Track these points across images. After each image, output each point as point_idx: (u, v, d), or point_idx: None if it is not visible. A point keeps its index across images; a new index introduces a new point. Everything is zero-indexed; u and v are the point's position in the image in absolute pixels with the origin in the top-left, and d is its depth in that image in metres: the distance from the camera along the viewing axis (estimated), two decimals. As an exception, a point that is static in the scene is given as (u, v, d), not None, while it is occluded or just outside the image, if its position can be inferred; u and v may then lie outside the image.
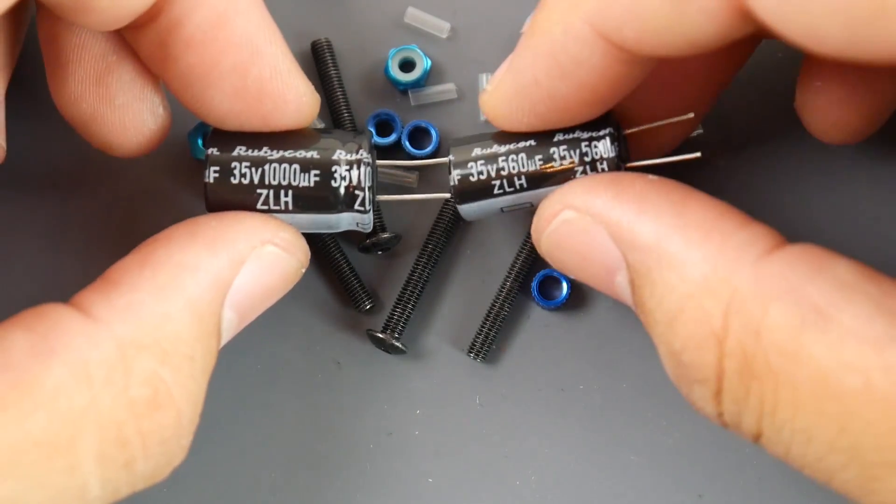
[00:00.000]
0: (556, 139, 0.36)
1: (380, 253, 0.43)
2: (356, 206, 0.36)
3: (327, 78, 0.43)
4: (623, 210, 0.33)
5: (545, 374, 0.42)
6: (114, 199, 0.43)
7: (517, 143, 0.36)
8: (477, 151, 0.37)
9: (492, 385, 0.42)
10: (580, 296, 0.42)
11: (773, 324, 0.29)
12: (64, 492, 0.30)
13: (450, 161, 0.37)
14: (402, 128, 0.43)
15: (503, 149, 0.36)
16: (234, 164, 0.36)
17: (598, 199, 0.33)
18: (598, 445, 0.41)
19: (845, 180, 0.42)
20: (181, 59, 0.35)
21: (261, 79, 0.35)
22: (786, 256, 0.30)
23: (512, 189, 0.36)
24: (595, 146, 0.36)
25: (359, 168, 0.36)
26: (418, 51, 0.43)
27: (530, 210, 0.37)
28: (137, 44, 0.36)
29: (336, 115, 0.43)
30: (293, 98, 0.36)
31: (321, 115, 0.42)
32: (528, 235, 0.42)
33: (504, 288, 0.42)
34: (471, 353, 0.42)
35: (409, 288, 0.42)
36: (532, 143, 0.36)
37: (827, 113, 0.38)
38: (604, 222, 0.33)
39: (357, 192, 0.36)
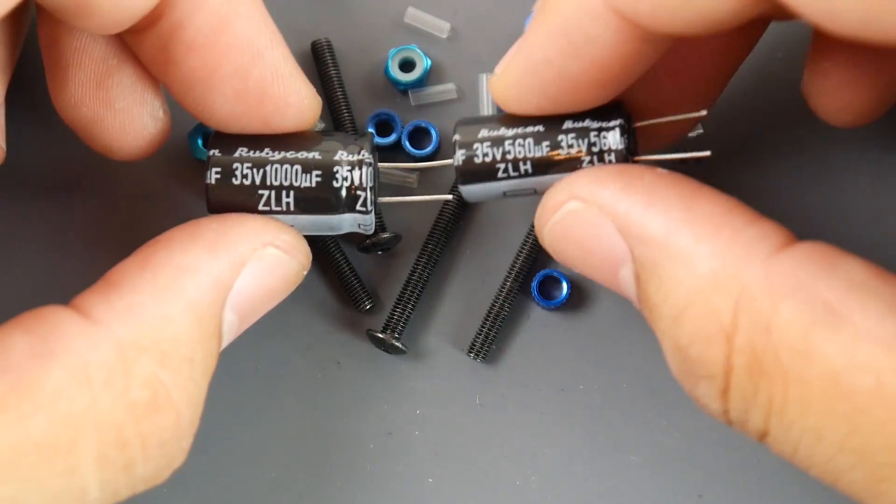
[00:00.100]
0: (564, 126, 0.35)
1: (380, 253, 0.43)
2: (357, 207, 0.36)
3: (327, 78, 0.43)
4: (631, 202, 0.32)
5: (545, 374, 0.42)
6: (114, 200, 0.43)
7: (525, 127, 0.36)
8: (483, 133, 0.36)
9: (492, 385, 0.42)
10: (580, 296, 0.42)
11: (783, 321, 0.29)
12: (63, 494, 0.30)
13: (455, 141, 0.37)
14: (402, 128, 0.43)
15: (510, 132, 0.36)
16: (235, 166, 0.36)
17: (606, 191, 0.33)
18: (598, 445, 0.41)
19: (846, 178, 0.42)
20: (182, 62, 0.35)
21: (262, 82, 0.35)
22: (796, 254, 0.30)
23: (517, 174, 0.36)
24: (604, 137, 0.35)
25: (360, 169, 0.36)
26: (418, 51, 0.43)
27: (533, 201, 0.36)
28: (138, 47, 0.36)
29: (336, 115, 0.43)
30: (295, 101, 0.36)
31: (321, 115, 0.42)
32: (528, 235, 0.42)
33: (504, 288, 0.42)
34: (471, 353, 0.42)
35: (409, 288, 0.42)
36: (540, 128, 0.36)
37: (836, 95, 0.37)
38: (611, 214, 0.33)
39: (359, 192, 0.36)
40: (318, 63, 0.43)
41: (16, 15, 0.38)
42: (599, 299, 0.42)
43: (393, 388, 0.42)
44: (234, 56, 0.35)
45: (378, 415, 0.42)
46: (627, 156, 0.35)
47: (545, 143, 0.36)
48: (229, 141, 0.36)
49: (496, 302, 0.42)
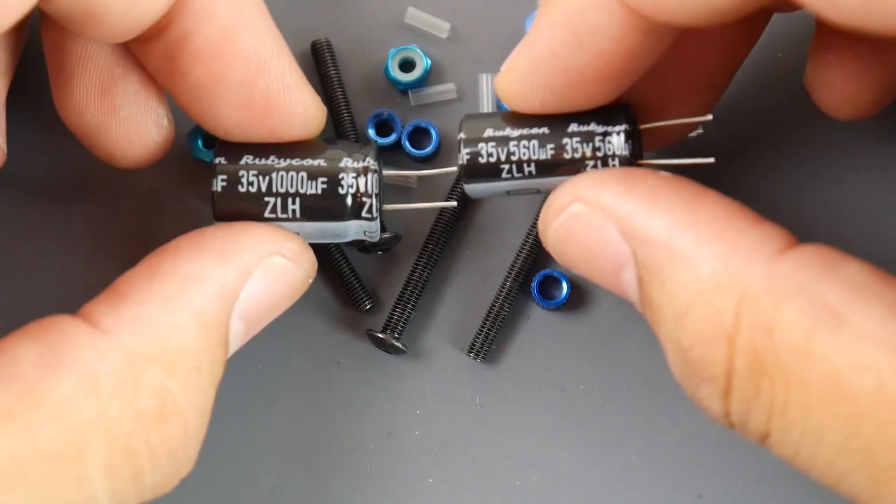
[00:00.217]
0: (570, 130, 0.35)
1: (379, 253, 0.43)
2: (363, 214, 0.36)
3: (327, 78, 0.43)
4: (634, 205, 0.32)
5: (545, 374, 0.42)
6: (118, 204, 0.42)
7: (530, 128, 0.36)
8: (489, 132, 0.36)
9: (492, 385, 0.42)
10: (580, 296, 0.42)
11: (785, 322, 0.29)
12: (72, 503, 0.30)
13: (460, 139, 0.37)
14: (402, 128, 0.43)
15: (515, 133, 0.36)
16: (241, 173, 0.36)
17: (609, 193, 0.33)
18: (598, 445, 0.41)
19: (847, 177, 0.42)
20: (189, 72, 0.35)
21: (268, 92, 0.35)
22: (798, 256, 0.30)
23: (521, 175, 0.36)
24: (609, 141, 0.35)
25: (366, 176, 0.36)
26: (418, 51, 0.43)
27: (535, 201, 0.36)
28: (145, 56, 0.36)
29: (336, 116, 0.43)
30: (300, 111, 0.36)
31: (321, 116, 0.42)
32: (528, 235, 0.42)
33: (504, 288, 0.42)
34: (471, 353, 0.42)
35: (409, 288, 0.42)
36: (545, 130, 0.36)
37: (838, 88, 0.37)
38: (614, 216, 0.33)
39: (364, 199, 0.36)
40: (318, 63, 0.43)
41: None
42: (599, 299, 0.42)
43: (393, 388, 0.42)
44: (240, 66, 0.35)
45: (378, 415, 0.42)
46: (632, 160, 0.35)
47: (550, 146, 0.36)
48: (235, 149, 0.36)
49: (496, 302, 0.42)
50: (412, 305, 0.42)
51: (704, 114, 0.39)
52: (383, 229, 0.42)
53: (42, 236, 0.42)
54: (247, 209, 0.36)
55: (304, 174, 0.36)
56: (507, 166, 0.36)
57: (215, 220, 0.36)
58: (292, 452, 0.41)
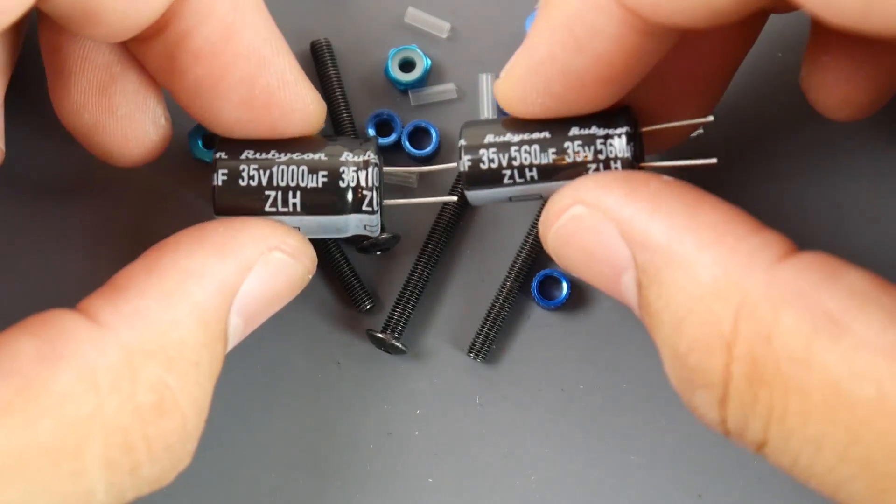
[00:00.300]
0: (571, 133, 0.35)
1: (378, 253, 0.43)
2: (363, 208, 0.36)
3: (327, 78, 0.43)
4: (636, 208, 0.32)
5: (545, 374, 0.42)
6: (117, 201, 0.42)
7: (531, 133, 0.36)
8: (489, 138, 0.36)
9: (492, 385, 0.42)
10: (580, 296, 0.42)
11: (784, 330, 0.29)
12: (70, 497, 0.30)
13: (461, 146, 0.36)
14: (402, 128, 0.43)
15: (516, 138, 0.36)
16: (242, 167, 0.36)
17: (611, 196, 0.33)
18: (597, 445, 0.41)
19: (846, 179, 0.42)
20: (189, 70, 0.35)
21: (268, 89, 0.35)
22: (798, 263, 0.30)
23: (522, 180, 0.36)
24: (610, 144, 0.35)
25: (366, 169, 0.36)
26: (418, 51, 0.43)
27: (535, 203, 0.36)
28: (144, 55, 0.36)
29: (336, 116, 0.43)
30: (300, 107, 0.36)
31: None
32: (528, 235, 0.42)
33: (504, 288, 0.42)
34: (471, 353, 0.42)
35: (409, 288, 0.42)
36: (546, 134, 0.36)
37: (835, 89, 0.37)
38: (615, 219, 0.33)
39: (365, 193, 0.36)
40: (318, 63, 0.43)
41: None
42: (599, 299, 0.42)
43: (393, 388, 0.42)
44: (240, 64, 0.35)
45: (378, 415, 0.42)
46: (633, 163, 0.35)
47: (551, 150, 0.36)
48: (236, 145, 0.36)
49: (496, 302, 0.42)
50: (412, 305, 0.42)
51: (704, 115, 0.39)
52: (383, 229, 0.42)
53: (40, 234, 0.42)
54: (247, 203, 0.36)
55: (304, 168, 0.36)
56: (508, 172, 0.36)
57: (216, 215, 0.36)
58: (292, 452, 0.41)
